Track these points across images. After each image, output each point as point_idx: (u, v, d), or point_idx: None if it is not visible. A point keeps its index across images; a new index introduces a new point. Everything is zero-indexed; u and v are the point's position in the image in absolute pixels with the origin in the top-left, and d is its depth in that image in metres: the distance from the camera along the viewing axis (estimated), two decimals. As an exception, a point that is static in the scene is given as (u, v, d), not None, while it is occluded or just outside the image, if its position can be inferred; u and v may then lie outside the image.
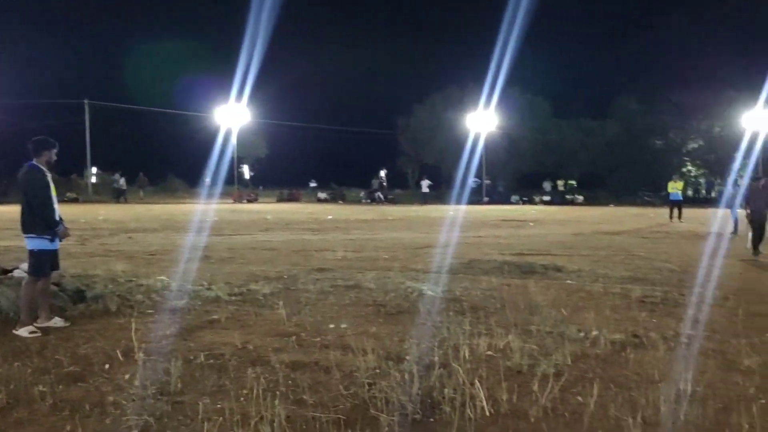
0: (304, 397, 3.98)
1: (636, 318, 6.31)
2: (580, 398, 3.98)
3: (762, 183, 12.93)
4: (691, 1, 63.88)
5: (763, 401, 4.00)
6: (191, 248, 12.03)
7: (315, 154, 55.14)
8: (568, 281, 8.69)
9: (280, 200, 43.48)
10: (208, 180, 38.93)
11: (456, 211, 26.91)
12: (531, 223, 22.00)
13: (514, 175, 55.19)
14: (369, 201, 42.66)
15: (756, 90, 37.28)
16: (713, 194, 46.26)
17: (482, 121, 44.62)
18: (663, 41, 68.33)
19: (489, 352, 4.94)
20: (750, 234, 12.55)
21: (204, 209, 25.64)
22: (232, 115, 41.80)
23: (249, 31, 29.47)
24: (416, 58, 53.10)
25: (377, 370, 4.49)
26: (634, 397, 3.99)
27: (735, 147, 43.17)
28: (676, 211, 23.85)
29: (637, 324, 6.02)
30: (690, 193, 48.57)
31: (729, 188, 23.76)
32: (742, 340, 5.49)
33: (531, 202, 45.31)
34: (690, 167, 53.31)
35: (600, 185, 54.00)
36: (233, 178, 45.27)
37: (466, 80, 48.69)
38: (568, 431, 3.50)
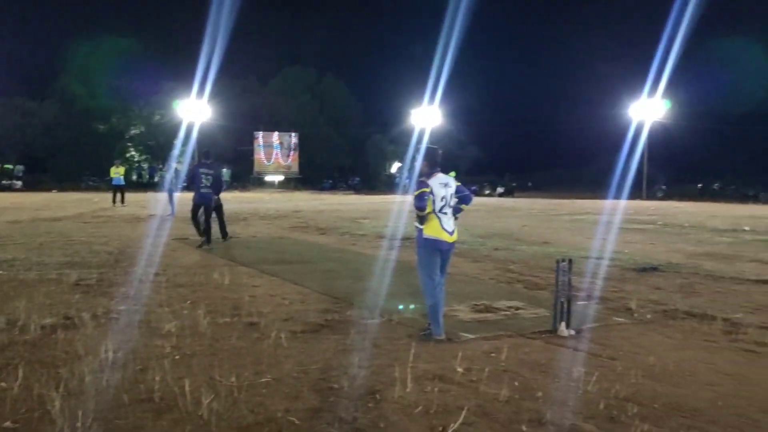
0: None
1: (69, 301, 6.48)
2: (4, 384, 3.99)
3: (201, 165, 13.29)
4: None
5: (177, 356, 4.71)
6: None
7: None
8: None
9: None
10: None
11: None
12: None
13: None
14: None
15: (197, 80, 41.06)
16: (156, 179, 49.03)
17: None
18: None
19: None
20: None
21: None
22: None
23: None
24: None
25: None
26: (61, 374, 4.20)
27: (174, 134, 46.76)
28: (119, 196, 24.51)
29: (70, 306, 6.20)
30: (134, 177, 50.36)
31: (169, 173, 25.59)
32: (165, 308, 6.24)
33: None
34: (133, 152, 55.28)
35: (41, 170, 51.33)
36: None
37: None
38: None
